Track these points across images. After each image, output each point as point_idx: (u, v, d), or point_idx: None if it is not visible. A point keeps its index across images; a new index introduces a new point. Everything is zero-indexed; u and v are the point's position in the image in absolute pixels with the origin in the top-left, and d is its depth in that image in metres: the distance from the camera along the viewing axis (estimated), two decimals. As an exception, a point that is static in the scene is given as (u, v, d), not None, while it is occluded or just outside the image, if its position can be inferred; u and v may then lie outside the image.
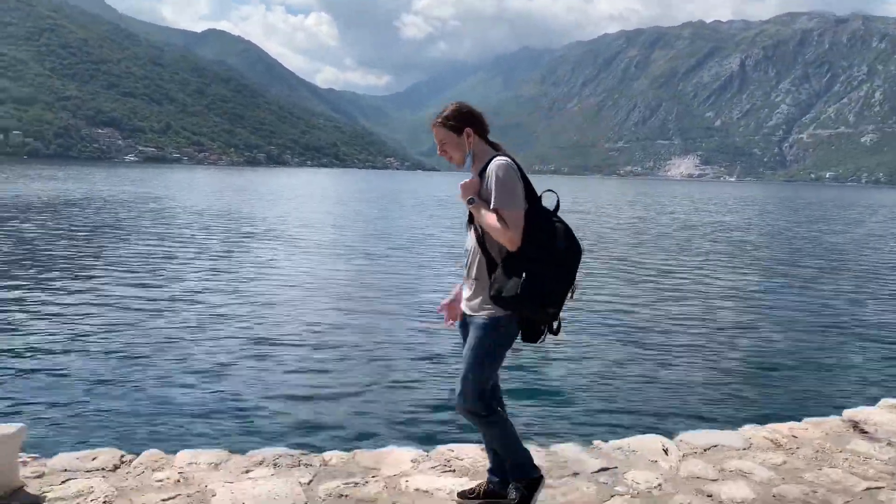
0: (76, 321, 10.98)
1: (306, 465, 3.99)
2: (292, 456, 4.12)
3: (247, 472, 3.79)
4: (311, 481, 3.79)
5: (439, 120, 3.40)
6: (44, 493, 3.52)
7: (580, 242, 3.19)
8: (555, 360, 9.49)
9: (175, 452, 4.13)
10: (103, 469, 3.87)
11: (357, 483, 3.78)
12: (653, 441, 4.55)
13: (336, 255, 21.17)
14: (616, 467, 4.08)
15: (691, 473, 4.07)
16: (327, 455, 4.19)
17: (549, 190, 3.31)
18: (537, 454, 3.97)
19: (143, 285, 14.47)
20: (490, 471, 3.61)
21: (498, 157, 3.25)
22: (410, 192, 79.68)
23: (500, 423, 3.38)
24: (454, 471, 3.98)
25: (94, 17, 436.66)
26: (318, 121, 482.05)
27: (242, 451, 4.21)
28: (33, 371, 8.26)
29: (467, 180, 3.31)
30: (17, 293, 13.08)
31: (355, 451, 4.27)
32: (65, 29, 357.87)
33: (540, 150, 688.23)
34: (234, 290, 14.35)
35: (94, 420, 6.80)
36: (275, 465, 4.02)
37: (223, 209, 38.64)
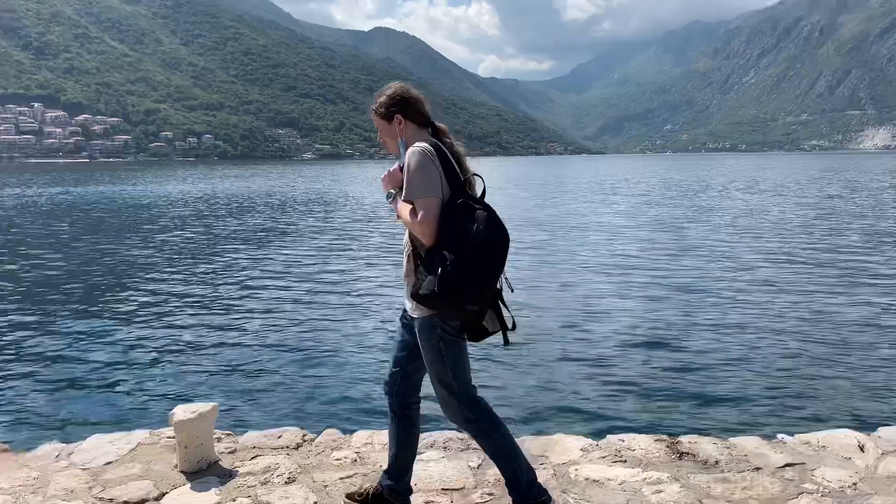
0: (265, 305, 11.55)
1: (475, 450, 3.92)
2: (462, 440, 4.11)
3: (418, 453, 3.66)
4: (480, 465, 3.76)
5: (372, 107, 3.21)
6: (235, 467, 3.74)
7: (504, 229, 2.86)
8: (719, 351, 8.58)
9: (352, 433, 4.27)
10: (287, 447, 4.05)
11: (525, 469, 3.73)
12: (845, 436, 4.18)
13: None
14: (804, 463, 3.80)
15: (893, 473, 3.68)
16: (496, 440, 4.17)
17: (475, 174, 3.09)
18: (714, 446, 3.95)
19: (327, 272, 14.92)
20: (385, 471, 3.34)
21: (416, 144, 2.99)
22: (573, 177, 75.39)
23: (497, 431, 3.15)
24: (625, 461, 3.83)
25: (271, 23, 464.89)
26: (481, 110, 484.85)
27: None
28: (225, 352, 8.75)
29: (387, 171, 3.13)
30: (213, 281, 14.01)
31: (523, 437, 4.16)
32: (246, 37, 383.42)
33: (714, 126, 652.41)
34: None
35: (278, 399, 7.09)
36: (445, 447, 4.05)
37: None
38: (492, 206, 2.92)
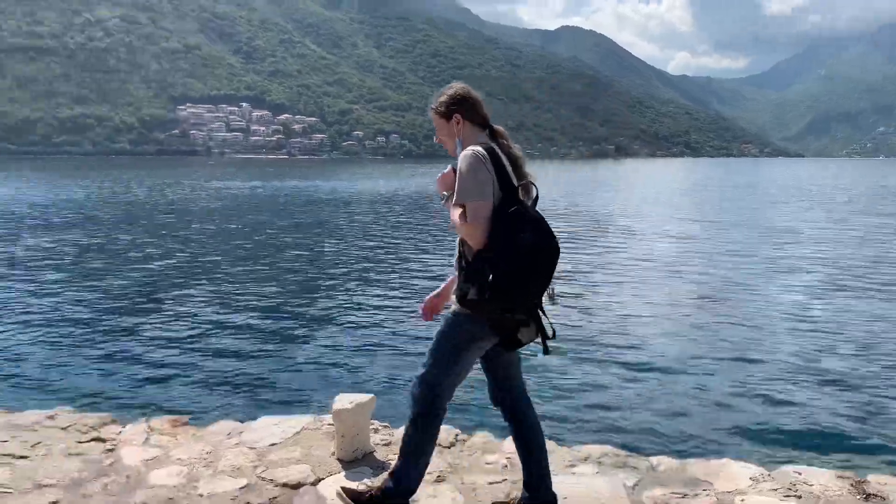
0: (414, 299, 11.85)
1: (632, 468, 3.79)
2: (618, 455, 3.95)
3: (570, 466, 3.69)
4: (636, 485, 3.60)
5: (432, 105, 3.19)
6: (389, 459, 3.77)
7: (555, 239, 2.85)
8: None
9: (504, 438, 4.08)
10: (440, 445, 3.93)
11: (686, 494, 3.48)
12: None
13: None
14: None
15: None
16: (655, 459, 3.94)
17: (529, 182, 3.06)
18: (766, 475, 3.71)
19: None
20: (525, 484, 3.28)
21: (469, 147, 2.98)
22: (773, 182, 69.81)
23: (427, 431, 3.16)
24: (800, 496, 3.50)
25: (458, 25, 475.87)
26: (669, 108, 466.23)
27: (568, 444, 4.16)
28: (380, 346, 9.12)
29: (441, 173, 3.13)
30: (392, 276, 14.68)
31: (687, 459, 4.00)
32: (434, 39, 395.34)
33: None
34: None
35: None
36: (599, 462, 3.90)
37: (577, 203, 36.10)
38: (543, 215, 2.91)
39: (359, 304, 11.85)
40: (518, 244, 2.82)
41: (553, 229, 2.80)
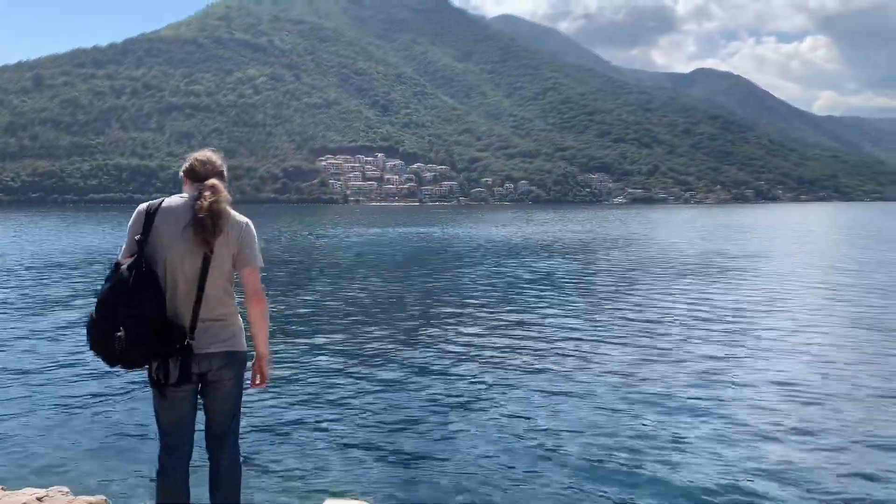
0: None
1: None
2: None
3: None
4: None
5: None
6: None
7: (127, 284, 3.26)
8: None
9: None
10: None
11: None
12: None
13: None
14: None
15: None
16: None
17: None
18: None
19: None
20: None
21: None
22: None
23: (163, 483, 3.51)
24: None
25: (589, 71, 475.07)
26: (814, 151, 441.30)
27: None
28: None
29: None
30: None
31: None
32: (564, 86, 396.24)
33: None
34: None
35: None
36: None
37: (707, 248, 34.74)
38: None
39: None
40: (103, 293, 3.39)
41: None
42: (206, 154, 3.71)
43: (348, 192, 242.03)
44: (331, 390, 8.48)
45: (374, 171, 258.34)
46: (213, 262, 3.43)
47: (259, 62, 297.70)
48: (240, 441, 3.75)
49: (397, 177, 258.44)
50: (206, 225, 3.36)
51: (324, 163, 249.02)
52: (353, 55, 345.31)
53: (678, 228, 57.95)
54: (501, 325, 12.86)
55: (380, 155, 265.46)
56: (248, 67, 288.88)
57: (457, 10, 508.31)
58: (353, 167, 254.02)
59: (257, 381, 3.65)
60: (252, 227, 3.57)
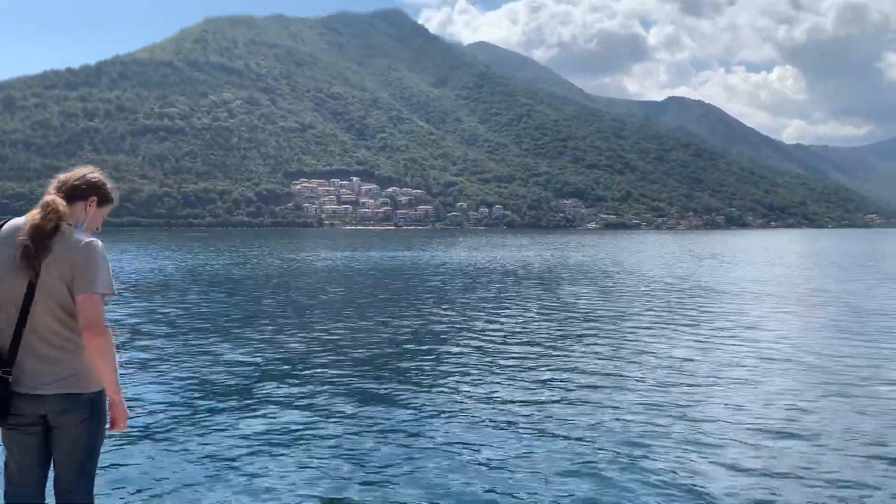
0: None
1: None
2: None
3: None
4: None
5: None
6: None
7: None
8: None
9: None
10: None
11: None
12: None
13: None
14: None
15: None
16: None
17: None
18: None
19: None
20: None
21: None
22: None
23: None
24: None
25: (563, 98, 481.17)
26: (783, 179, 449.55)
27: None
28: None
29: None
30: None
31: None
32: (538, 113, 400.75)
33: None
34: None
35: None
36: None
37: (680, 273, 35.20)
38: None
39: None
40: None
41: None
42: (75, 170, 3.42)
43: (323, 215, 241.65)
44: (276, 422, 8.32)
45: (349, 194, 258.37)
46: (38, 288, 3.08)
47: (234, 85, 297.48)
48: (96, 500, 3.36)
49: (372, 200, 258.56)
50: (27, 246, 3.06)
51: (298, 186, 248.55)
52: (328, 79, 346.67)
53: (645, 255, 58.60)
54: (456, 353, 12.91)
55: (355, 179, 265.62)
56: (223, 91, 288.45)
57: (433, 37, 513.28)
58: (327, 191, 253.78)
59: (113, 429, 3.33)
60: (95, 247, 3.14)
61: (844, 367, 10.93)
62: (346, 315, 17.28)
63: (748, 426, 7.79)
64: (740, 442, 7.26)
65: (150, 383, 9.51)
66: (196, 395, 8.90)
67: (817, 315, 18.80)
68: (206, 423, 7.64)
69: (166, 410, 8.18)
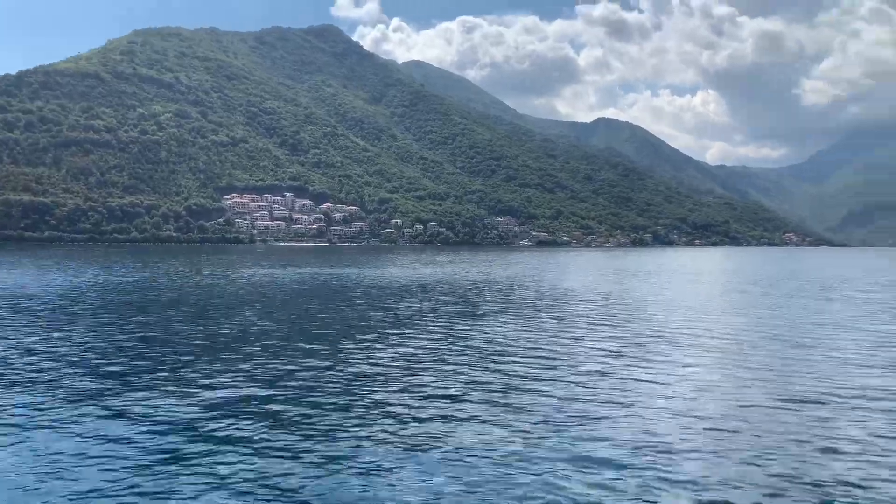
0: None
1: None
2: None
3: None
4: None
5: None
6: None
7: None
8: None
9: None
10: None
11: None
12: None
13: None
14: None
15: None
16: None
17: None
18: None
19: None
20: None
21: None
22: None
23: None
24: None
25: (496, 118, 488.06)
26: (707, 198, 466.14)
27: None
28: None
29: None
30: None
31: None
32: (472, 132, 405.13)
33: None
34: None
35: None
36: None
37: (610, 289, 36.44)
38: None
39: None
40: None
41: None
42: None
43: (255, 231, 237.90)
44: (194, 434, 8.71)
45: (282, 210, 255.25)
46: None
47: (164, 98, 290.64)
48: None
49: (306, 216, 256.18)
50: None
51: (229, 201, 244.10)
52: (261, 94, 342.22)
53: (572, 270, 60.20)
54: (377, 362, 13.36)
55: (288, 194, 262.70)
56: (152, 104, 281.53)
57: (368, 54, 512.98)
58: (259, 206, 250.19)
59: None
60: None
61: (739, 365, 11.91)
62: (264, 336, 17.51)
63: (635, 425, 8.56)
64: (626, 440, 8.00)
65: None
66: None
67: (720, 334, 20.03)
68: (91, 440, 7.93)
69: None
